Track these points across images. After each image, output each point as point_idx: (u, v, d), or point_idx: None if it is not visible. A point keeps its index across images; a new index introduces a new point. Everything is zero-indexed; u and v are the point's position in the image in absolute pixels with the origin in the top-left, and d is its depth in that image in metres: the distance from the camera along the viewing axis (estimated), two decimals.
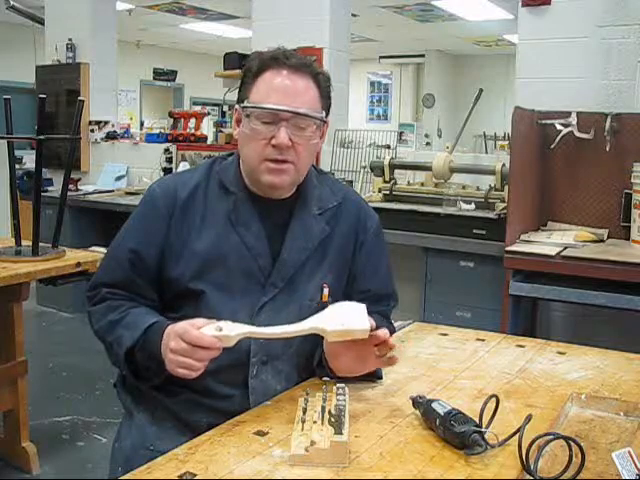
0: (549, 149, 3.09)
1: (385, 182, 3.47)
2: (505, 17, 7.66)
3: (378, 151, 3.94)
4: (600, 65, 3.16)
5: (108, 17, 5.31)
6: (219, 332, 1.09)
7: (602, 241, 2.88)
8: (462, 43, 10.00)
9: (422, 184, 3.46)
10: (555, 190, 3.17)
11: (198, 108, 8.30)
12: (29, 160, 5.56)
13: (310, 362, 1.32)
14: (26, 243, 2.49)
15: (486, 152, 6.76)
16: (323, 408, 1.04)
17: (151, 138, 5.03)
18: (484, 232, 2.96)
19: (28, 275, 2.26)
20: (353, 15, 4.58)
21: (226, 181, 1.34)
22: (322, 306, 1.30)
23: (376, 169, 3.53)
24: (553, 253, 2.64)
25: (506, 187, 3.01)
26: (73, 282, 2.45)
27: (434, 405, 1.06)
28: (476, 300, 3.00)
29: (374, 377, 1.27)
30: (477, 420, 1.00)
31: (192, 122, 5.02)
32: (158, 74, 11.24)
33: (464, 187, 3.30)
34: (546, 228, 3.14)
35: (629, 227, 2.88)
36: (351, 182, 3.83)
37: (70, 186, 3.48)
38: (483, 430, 0.99)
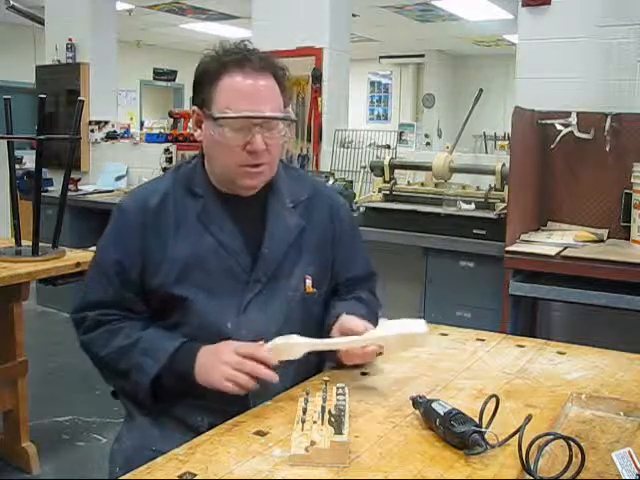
0: (549, 149, 3.09)
1: (385, 182, 3.46)
2: (505, 17, 7.66)
3: (378, 151, 3.94)
4: (600, 65, 3.16)
5: (108, 17, 5.31)
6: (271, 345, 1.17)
7: (602, 241, 2.88)
8: (462, 43, 10.00)
9: (422, 184, 3.46)
10: (555, 190, 3.17)
11: None
12: (29, 160, 5.55)
13: (309, 361, 1.32)
14: (26, 243, 2.49)
15: (486, 152, 6.76)
16: (323, 408, 1.04)
17: (151, 138, 5.03)
18: (484, 232, 2.96)
19: (28, 275, 2.26)
20: (353, 15, 4.58)
21: (192, 185, 1.34)
22: (307, 297, 1.36)
23: (376, 169, 3.53)
24: (553, 253, 2.64)
25: (506, 187, 3.01)
26: (73, 282, 2.45)
27: (434, 405, 1.06)
28: (476, 300, 3.00)
29: None
30: (477, 420, 1.00)
31: (192, 122, 5.00)
32: (158, 74, 11.23)
33: (464, 187, 3.30)
34: (546, 228, 3.13)
35: (629, 227, 2.88)
36: (351, 182, 3.83)
37: (70, 186, 3.48)
38: (483, 430, 0.99)
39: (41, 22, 5.57)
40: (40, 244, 2.44)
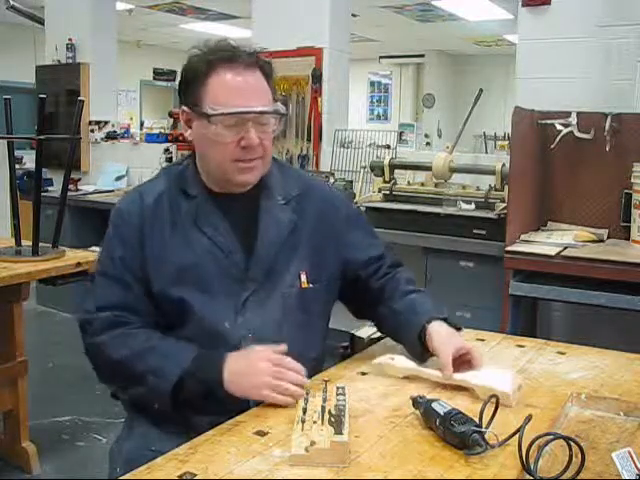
0: (549, 149, 3.09)
1: (385, 182, 3.46)
2: (505, 17, 7.66)
3: (378, 151, 3.94)
4: (600, 65, 3.16)
5: (108, 17, 5.31)
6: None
7: (602, 241, 2.88)
8: (462, 43, 10.00)
9: (422, 184, 3.45)
10: (555, 190, 3.17)
11: None
12: (29, 160, 5.55)
13: (304, 355, 1.31)
14: (26, 243, 2.49)
15: (486, 152, 6.77)
16: (323, 408, 1.04)
17: (151, 138, 5.03)
18: (484, 232, 2.96)
19: (28, 275, 2.26)
20: (353, 15, 4.58)
21: (185, 186, 1.35)
22: (303, 292, 1.36)
23: (376, 169, 3.53)
24: (553, 253, 2.64)
25: (506, 187, 3.01)
26: (73, 282, 2.45)
27: (434, 405, 1.06)
28: (476, 300, 2.99)
29: None
30: (477, 420, 1.00)
31: None
32: (158, 74, 11.21)
33: (464, 187, 3.30)
34: (546, 228, 3.13)
35: (629, 227, 2.88)
36: (351, 182, 3.83)
37: (70, 186, 3.48)
38: (483, 430, 0.99)
39: (41, 22, 5.57)
40: (40, 244, 2.44)
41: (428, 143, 9.81)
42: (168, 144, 4.77)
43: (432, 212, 3.14)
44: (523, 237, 2.87)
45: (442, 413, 1.03)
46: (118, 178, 5.03)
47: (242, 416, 1.13)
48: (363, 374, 1.33)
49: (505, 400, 1.14)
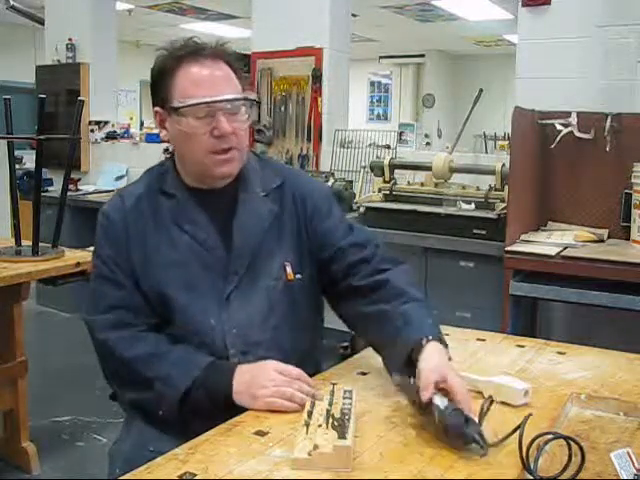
0: (549, 149, 3.09)
1: (385, 182, 3.46)
2: (505, 17, 7.66)
3: (378, 151, 3.94)
4: (600, 65, 3.16)
5: (108, 17, 5.30)
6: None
7: (602, 241, 2.88)
8: (462, 43, 10.00)
9: (422, 184, 3.45)
10: (555, 190, 3.17)
11: None
12: (29, 160, 5.55)
13: (293, 348, 1.33)
14: (26, 243, 2.49)
15: (486, 152, 6.76)
16: (328, 411, 1.04)
17: (151, 138, 5.02)
18: (484, 232, 2.96)
19: (28, 275, 2.26)
20: (353, 15, 4.58)
21: (164, 185, 1.36)
22: (290, 284, 1.35)
23: (376, 169, 3.53)
24: (553, 253, 2.64)
25: (506, 187, 3.01)
26: (73, 282, 2.45)
27: (435, 398, 1.05)
28: (476, 300, 2.99)
29: None
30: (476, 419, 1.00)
31: None
32: None
33: (464, 187, 3.30)
34: (546, 228, 3.13)
35: (629, 227, 2.88)
36: (351, 182, 3.83)
37: (70, 186, 3.48)
38: (480, 430, 0.99)
39: (41, 22, 5.57)
40: (40, 244, 2.44)
41: (428, 143, 9.81)
42: (168, 144, 4.76)
43: (432, 212, 3.14)
44: (523, 237, 2.87)
45: (442, 407, 1.03)
46: (118, 178, 5.03)
47: (242, 416, 1.12)
48: (363, 374, 1.33)
49: (515, 398, 1.15)
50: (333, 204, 1.46)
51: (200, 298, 1.30)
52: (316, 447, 0.95)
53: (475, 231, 2.98)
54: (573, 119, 3.01)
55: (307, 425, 1.02)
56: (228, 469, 0.94)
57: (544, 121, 3.06)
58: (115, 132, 5.23)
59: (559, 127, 3.03)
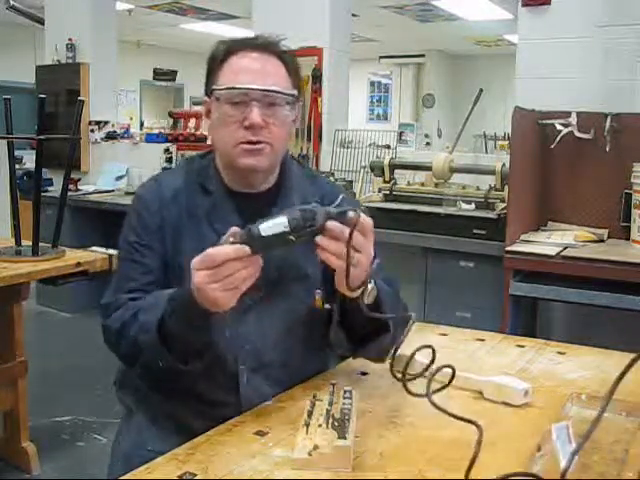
0: (549, 149, 3.09)
1: (385, 182, 3.46)
2: (505, 17, 7.66)
3: (378, 151, 3.94)
4: (600, 65, 3.16)
5: (108, 17, 5.31)
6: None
7: (602, 241, 2.88)
8: (462, 43, 10.00)
9: (422, 184, 3.46)
10: (555, 190, 3.17)
11: (198, 108, 8.29)
12: (29, 160, 5.55)
13: (306, 366, 1.29)
14: (26, 243, 2.49)
15: (486, 152, 6.76)
16: (328, 412, 1.04)
17: (151, 138, 5.03)
18: (484, 232, 2.96)
19: (28, 275, 2.25)
20: (353, 15, 4.58)
21: (204, 181, 1.31)
22: (314, 311, 1.25)
23: (376, 169, 3.53)
24: (553, 253, 2.64)
25: (506, 187, 3.01)
26: (73, 282, 2.45)
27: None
28: (476, 300, 3.00)
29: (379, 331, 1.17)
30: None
31: (192, 122, 5.02)
32: (158, 74, 11.24)
33: (464, 187, 3.30)
34: (546, 228, 3.14)
35: (629, 227, 2.88)
36: (351, 182, 3.83)
37: (70, 186, 3.47)
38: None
39: (41, 22, 5.57)
40: (40, 244, 2.44)
41: (428, 143, 9.81)
42: (168, 144, 4.77)
43: (432, 212, 3.14)
44: (523, 237, 2.87)
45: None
46: (118, 178, 5.03)
47: (242, 416, 1.12)
48: (363, 374, 1.33)
49: (515, 398, 1.15)
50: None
51: None
52: (316, 447, 0.95)
53: (475, 231, 2.98)
54: (573, 119, 3.01)
55: (307, 425, 1.02)
56: (228, 469, 0.94)
57: (544, 121, 3.07)
58: (115, 132, 5.23)
59: (559, 127, 3.03)
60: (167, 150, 4.72)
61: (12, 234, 2.67)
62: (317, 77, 4.10)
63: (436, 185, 3.36)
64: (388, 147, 3.97)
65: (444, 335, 1.60)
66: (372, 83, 12.41)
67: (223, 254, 1.00)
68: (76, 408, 3.05)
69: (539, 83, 3.29)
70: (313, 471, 0.93)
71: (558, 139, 3.04)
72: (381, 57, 11.48)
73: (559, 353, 1.47)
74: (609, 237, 2.97)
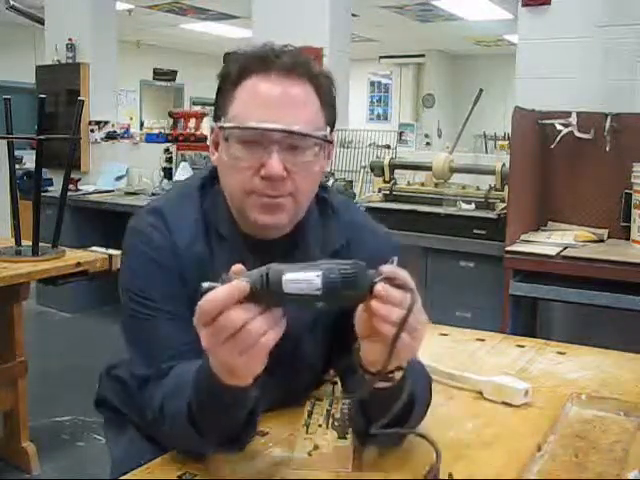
0: (549, 149, 3.09)
1: (385, 182, 3.46)
2: (505, 17, 7.66)
3: (378, 151, 3.94)
4: (600, 65, 3.16)
5: (108, 17, 5.31)
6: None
7: (602, 241, 2.88)
8: (462, 43, 10.00)
9: (422, 184, 3.46)
10: (555, 190, 3.17)
11: (198, 108, 8.30)
12: (29, 160, 5.54)
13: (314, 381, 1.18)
14: (26, 243, 2.49)
15: (486, 152, 6.76)
16: (328, 412, 1.03)
17: (151, 138, 5.03)
18: (484, 232, 2.96)
19: (28, 275, 2.25)
20: (353, 15, 4.58)
21: (218, 224, 1.06)
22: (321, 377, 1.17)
23: (376, 169, 3.53)
24: (553, 253, 2.64)
25: (506, 187, 3.01)
26: (73, 282, 2.45)
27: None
28: (476, 300, 3.00)
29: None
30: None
31: (192, 122, 5.02)
32: (158, 74, 11.24)
33: (464, 187, 3.30)
34: (546, 228, 3.14)
35: (629, 227, 2.88)
36: (351, 182, 3.83)
37: (70, 186, 3.47)
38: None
39: (41, 22, 5.57)
40: (40, 244, 2.44)
41: (428, 143, 9.81)
42: (168, 144, 4.77)
43: (432, 212, 3.14)
44: (523, 237, 2.87)
45: None
46: (118, 178, 5.03)
47: None
48: None
49: (515, 398, 1.15)
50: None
51: None
52: (316, 447, 0.95)
53: (475, 231, 2.99)
54: (573, 119, 3.01)
55: (307, 425, 1.02)
56: (228, 469, 0.94)
57: (544, 121, 3.07)
58: (115, 132, 5.23)
59: (559, 127, 3.03)
60: (167, 150, 4.72)
61: (12, 234, 2.67)
62: None
63: (436, 185, 3.36)
64: (388, 147, 3.97)
65: (444, 335, 1.60)
66: (372, 83, 12.41)
67: (214, 302, 0.75)
68: (76, 408, 3.05)
69: (539, 83, 3.29)
70: (313, 471, 0.93)
71: (558, 139, 3.04)
72: (381, 57, 11.48)
73: (559, 353, 1.47)
74: (609, 237, 2.97)
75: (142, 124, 7.44)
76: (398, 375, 0.86)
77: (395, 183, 3.43)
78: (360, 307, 0.82)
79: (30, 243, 2.42)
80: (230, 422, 0.88)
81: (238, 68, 1.00)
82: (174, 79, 11.40)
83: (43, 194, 2.72)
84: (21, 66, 7.84)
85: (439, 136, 10.39)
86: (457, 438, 1.04)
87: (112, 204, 4.44)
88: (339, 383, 1.15)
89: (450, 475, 0.89)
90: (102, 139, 5.23)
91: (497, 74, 10.20)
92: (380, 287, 0.78)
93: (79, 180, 5.02)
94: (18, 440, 2.54)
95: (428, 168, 3.36)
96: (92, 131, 5.21)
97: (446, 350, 1.49)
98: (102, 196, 4.67)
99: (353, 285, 0.77)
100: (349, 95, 4.45)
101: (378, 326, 0.80)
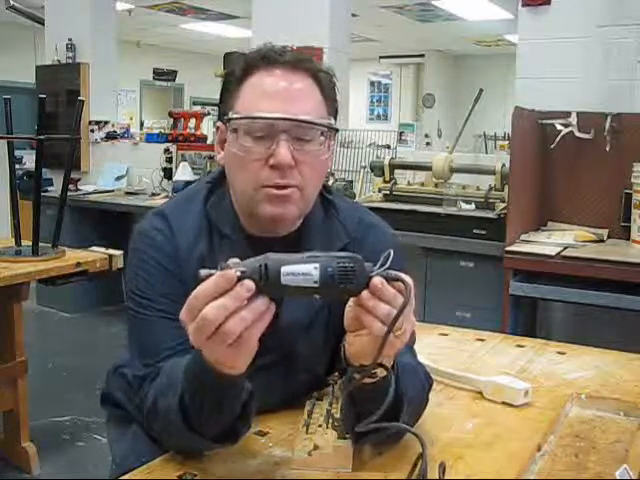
0: (549, 149, 3.09)
1: (385, 182, 3.47)
2: (505, 17, 7.67)
3: (378, 151, 3.94)
4: (600, 65, 3.16)
5: (108, 17, 5.31)
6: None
7: (602, 241, 2.88)
8: (462, 43, 10.00)
9: (422, 184, 3.46)
10: (555, 190, 3.17)
11: (198, 108, 8.31)
12: (29, 160, 5.55)
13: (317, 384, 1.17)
14: (26, 243, 2.49)
15: (486, 152, 6.77)
16: (328, 411, 1.04)
17: (151, 138, 5.03)
18: (484, 232, 2.97)
19: (28, 275, 2.25)
20: (353, 15, 4.58)
21: (221, 224, 1.08)
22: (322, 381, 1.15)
23: (376, 169, 3.53)
24: (553, 253, 2.64)
25: (506, 187, 3.01)
26: (73, 282, 2.45)
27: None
28: (476, 300, 3.00)
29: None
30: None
31: (192, 122, 5.02)
32: (158, 74, 11.24)
33: (464, 187, 3.30)
34: (546, 228, 3.14)
35: (629, 227, 2.88)
36: (351, 182, 3.83)
37: (70, 186, 3.47)
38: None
39: (41, 22, 5.57)
40: (40, 244, 2.44)
41: (428, 143, 9.81)
42: (168, 144, 4.77)
43: (432, 212, 3.14)
44: (523, 237, 2.87)
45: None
46: (118, 178, 5.03)
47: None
48: None
49: (515, 398, 1.15)
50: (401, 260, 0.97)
51: None
52: (316, 447, 0.95)
53: (475, 231, 2.99)
54: (573, 119, 3.01)
55: (307, 425, 1.02)
56: (228, 469, 0.94)
57: (544, 121, 3.07)
58: (115, 132, 5.23)
59: (559, 127, 3.03)
60: (167, 150, 4.72)
61: (12, 234, 2.67)
62: None
63: (436, 185, 3.36)
64: (388, 147, 3.97)
65: (444, 335, 1.60)
66: (372, 83, 12.41)
67: (201, 294, 0.76)
68: (76, 408, 3.05)
69: (539, 83, 3.29)
70: (313, 471, 0.93)
71: (558, 139, 3.04)
72: (381, 57, 11.48)
73: (559, 353, 1.47)
74: (609, 237, 2.97)
75: (142, 124, 7.43)
76: (381, 372, 0.87)
77: (395, 183, 3.43)
78: (351, 300, 0.83)
79: (30, 243, 2.42)
80: (223, 415, 0.88)
81: (242, 66, 1.03)
82: (174, 79, 11.40)
83: (43, 194, 2.72)
84: (21, 66, 7.85)
85: (439, 136, 10.38)
86: (457, 438, 1.04)
87: (112, 204, 4.44)
88: (339, 383, 1.15)
89: (442, 464, 0.89)
90: (102, 139, 5.23)
91: (497, 74, 10.20)
92: (377, 280, 0.79)
93: (79, 180, 5.02)
94: (18, 440, 2.54)
95: (428, 168, 3.36)
96: (92, 131, 5.21)
97: (446, 350, 1.49)
98: (102, 196, 4.67)
99: (351, 278, 0.78)
100: (349, 95, 4.45)
101: (365, 319, 0.81)
